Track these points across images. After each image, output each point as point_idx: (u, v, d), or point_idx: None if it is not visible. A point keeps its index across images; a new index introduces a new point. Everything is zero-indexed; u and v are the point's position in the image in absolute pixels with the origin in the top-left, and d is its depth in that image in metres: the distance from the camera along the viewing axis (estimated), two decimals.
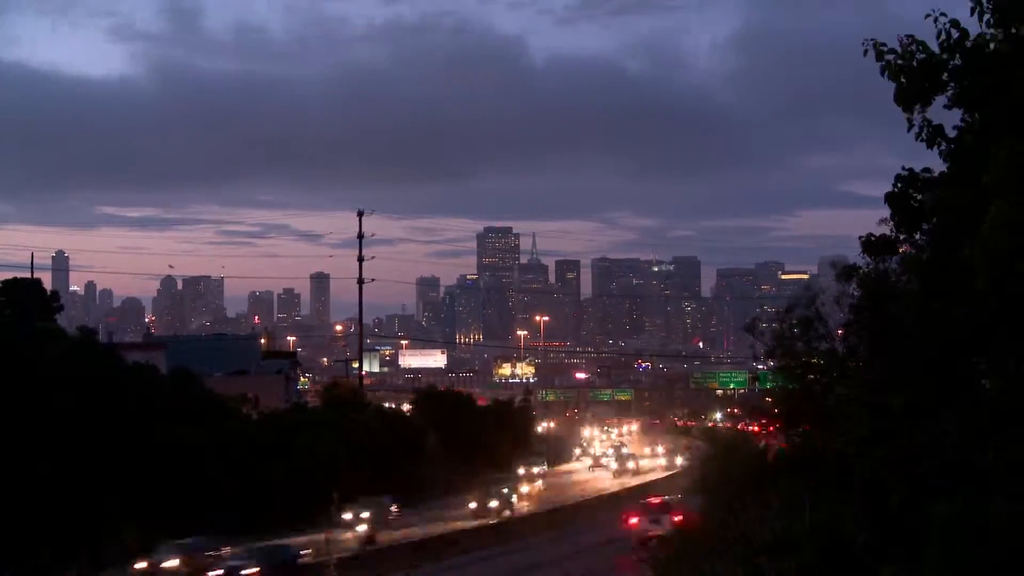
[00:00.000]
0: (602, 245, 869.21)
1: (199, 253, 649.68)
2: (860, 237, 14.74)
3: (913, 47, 12.36)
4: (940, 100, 12.59)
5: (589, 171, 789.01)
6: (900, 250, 15.68)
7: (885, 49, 12.48)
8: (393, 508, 70.79)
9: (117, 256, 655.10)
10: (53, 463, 54.12)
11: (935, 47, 12.32)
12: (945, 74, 12.33)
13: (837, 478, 17.09)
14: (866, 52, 12.53)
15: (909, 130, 12.58)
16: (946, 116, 12.76)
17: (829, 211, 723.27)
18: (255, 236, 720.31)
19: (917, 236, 14.42)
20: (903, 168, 13.44)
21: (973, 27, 12.21)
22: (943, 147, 12.68)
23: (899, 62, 12.39)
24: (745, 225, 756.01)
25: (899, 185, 13.38)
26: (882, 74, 12.53)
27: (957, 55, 12.19)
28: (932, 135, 12.57)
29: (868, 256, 15.27)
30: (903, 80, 12.38)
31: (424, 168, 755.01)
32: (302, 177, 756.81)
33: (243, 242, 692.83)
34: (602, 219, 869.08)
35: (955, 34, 12.15)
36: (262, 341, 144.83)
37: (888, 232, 14.41)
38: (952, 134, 12.73)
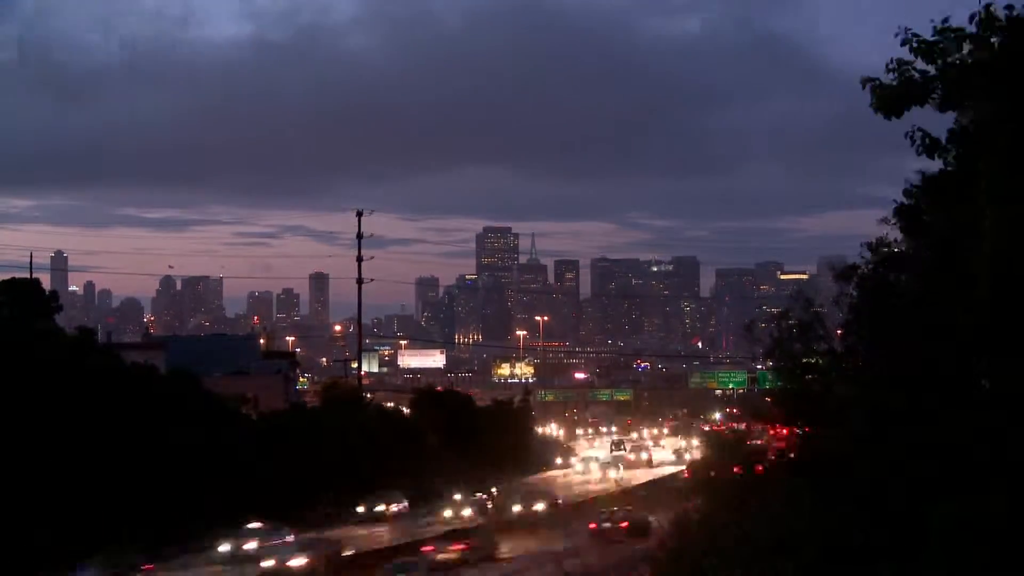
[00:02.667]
0: (619, 246, 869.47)
1: (217, 254, 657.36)
2: (862, 244, 14.87)
3: (897, 71, 12.67)
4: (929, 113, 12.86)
5: (603, 172, 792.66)
6: (896, 249, 15.71)
7: (876, 84, 12.81)
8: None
9: (127, 257, 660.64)
10: (50, 463, 54.11)
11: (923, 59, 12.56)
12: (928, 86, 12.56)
13: (837, 478, 17.06)
14: (864, 86, 12.82)
15: (911, 141, 12.75)
16: (942, 120, 12.94)
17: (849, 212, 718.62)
18: (270, 236, 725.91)
19: (920, 240, 14.47)
20: (914, 176, 13.64)
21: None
22: (943, 156, 12.85)
23: (886, 93, 12.70)
24: (762, 226, 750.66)
25: (908, 194, 13.57)
26: (875, 112, 12.80)
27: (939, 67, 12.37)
28: (931, 147, 12.75)
29: (871, 255, 15.34)
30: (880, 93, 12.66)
31: (429, 165, 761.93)
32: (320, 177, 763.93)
33: (258, 242, 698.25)
34: (614, 220, 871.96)
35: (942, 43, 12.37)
36: (261, 341, 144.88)
37: (889, 234, 14.50)
38: (947, 134, 12.88)
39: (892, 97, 12.45)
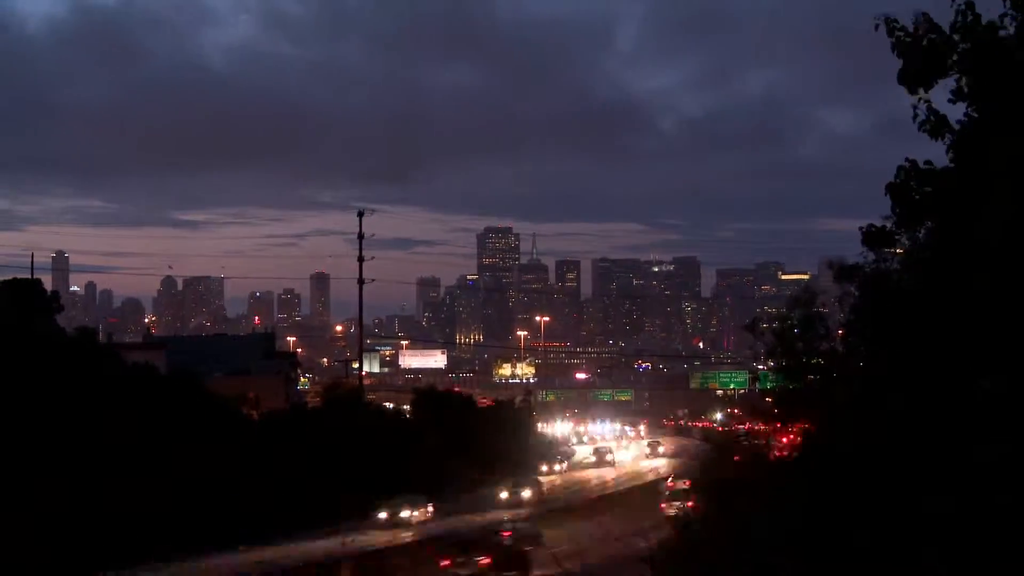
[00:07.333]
0: (642, 247, 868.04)
1: (244, 255, 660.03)
2: (860, 228, 14.64)
3: (925, 25, 12.21)
4: (944, 94, 12.49)
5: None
6: (899, 249, 15.58)
7: (897, 26, 12.35)
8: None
9: (150, 259, 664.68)
10: (50, 465, 54.08)
11: (947, 28, 12.19)
12: (954, 56, 12.18)
13: (837, 478, 17.00)
14: (877, 27, 12.39)
15: (914, 120, 12.46)
16: (950, 109, 12.64)
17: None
18: (299, 237, 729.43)
19: (919, 232, 14.31)
20: (905, 159, 13.32)
21: (988, 15, 12.09)
22: (947, 139, 12.56)
23: (908, 40, 12.24)
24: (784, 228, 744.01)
25: (900, 176, 13.26)
26: (892, 51, 12.38)
27: (968, 40, 12.04)
28: (936, 125, 12.45)
29: (868, 248, 15.15)
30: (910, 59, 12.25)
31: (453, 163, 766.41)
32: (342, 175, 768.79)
33: (289, 243, 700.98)
34: (644, 221, 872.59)
35: (969, 17, 12.01)
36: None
37: (888, 226, 14.30)
38: (956, 124, 12.61)
39: (916, 70, 12.12)
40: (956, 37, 12.14)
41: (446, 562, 52.19)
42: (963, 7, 12.05)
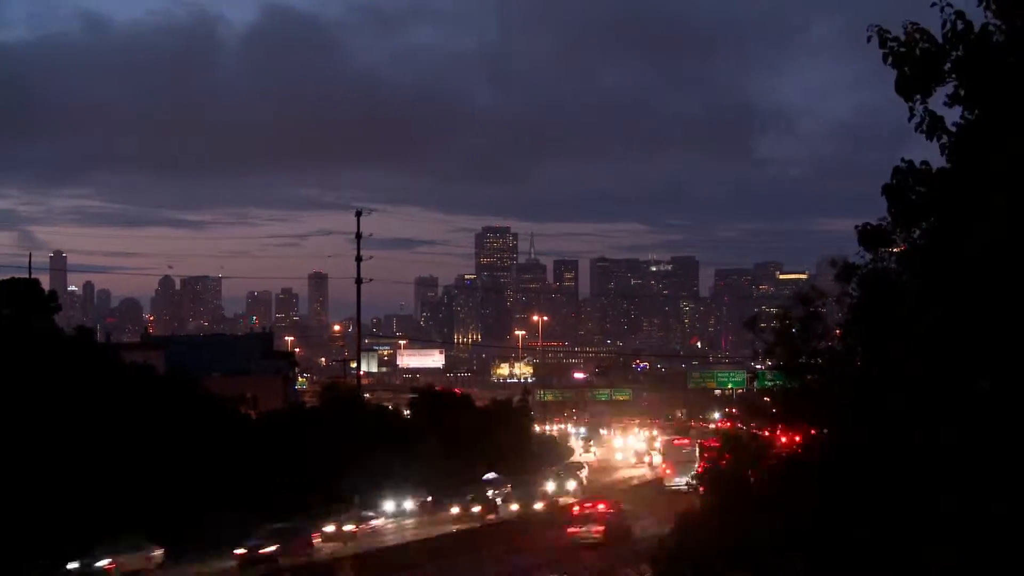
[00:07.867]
0: (648, 247, 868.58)
1: (248, 255, 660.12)
2: (856, 227, 14.68)
3: (916, 35, 12.26)
4: (941, 95, 12.52)
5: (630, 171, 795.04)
6: (896, 248, 15.61)
7: (889, 36, 12.41)
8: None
9: (152, 259, 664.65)
10: (51, 465, 54.09)
11: (939, 35, 12.25)
12: (948, 64, 12.24)
13: (837, 478, 17.03)
14: (869, 39, 12.45)
15: (910, 120, 12.51)
16: (946, 110, 12.68)
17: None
18: (301, 237, 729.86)
19: (915, 233, 14.33)
20: (901, 160, 13.36)
21: (978, 19, 12.14)
22: (943, 140, 12.60)
23: (902, 50, 12.30)
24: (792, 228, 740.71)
25: (897, 177, 13.30)
26: (884, 61, 12.44)
27: (960, 46, 12.10)
28: (932, 126, 12.49)
29: (864, 248, 15.18)
30: (905, 69, 12.30)
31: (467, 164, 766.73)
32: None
33: (290, 244, 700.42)
34: (645, 220, 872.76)
35: (960, 25, 12.07)
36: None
37: (885, 225, 14.33)
38: (952, 127, 12.65)
39: (913, 77, 12.14)
40: (947, 46, 12.16)
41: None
42: (952, 16, 12.07)
